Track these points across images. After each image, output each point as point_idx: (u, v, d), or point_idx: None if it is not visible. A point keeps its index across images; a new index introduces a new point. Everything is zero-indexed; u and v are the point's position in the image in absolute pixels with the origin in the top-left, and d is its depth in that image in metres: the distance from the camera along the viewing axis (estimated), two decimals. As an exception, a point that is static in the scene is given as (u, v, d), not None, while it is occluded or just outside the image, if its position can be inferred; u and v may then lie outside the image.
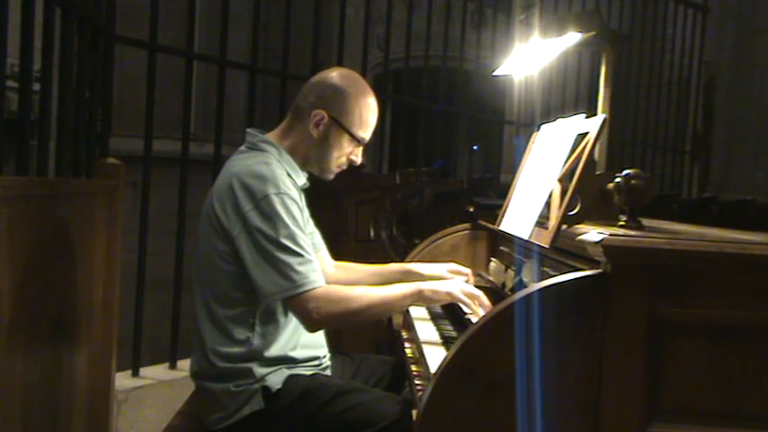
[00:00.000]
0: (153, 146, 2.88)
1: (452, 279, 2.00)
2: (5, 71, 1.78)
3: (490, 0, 4.84)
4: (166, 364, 3.02)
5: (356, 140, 1.82)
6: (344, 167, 1.87)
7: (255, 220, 1.64)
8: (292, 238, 1.64)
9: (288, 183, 1.72)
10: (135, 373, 2.88)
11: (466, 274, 2.07)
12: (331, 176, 1.87)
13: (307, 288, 1.63)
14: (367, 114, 1.82)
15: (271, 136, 1.83)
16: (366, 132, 1.84)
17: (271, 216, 1.64)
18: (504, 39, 4.63)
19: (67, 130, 2.15)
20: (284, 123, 1.85)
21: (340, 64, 3.65)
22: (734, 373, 1.33)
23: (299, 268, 1.63)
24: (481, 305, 1.77)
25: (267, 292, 1.64)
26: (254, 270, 1.65)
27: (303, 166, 1.85)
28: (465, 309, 1.83)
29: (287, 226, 1.64)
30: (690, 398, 1.33)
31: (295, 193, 1.72)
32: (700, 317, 1.32)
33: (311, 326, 1.68)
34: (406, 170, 3.34)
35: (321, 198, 3.29)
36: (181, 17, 3.21)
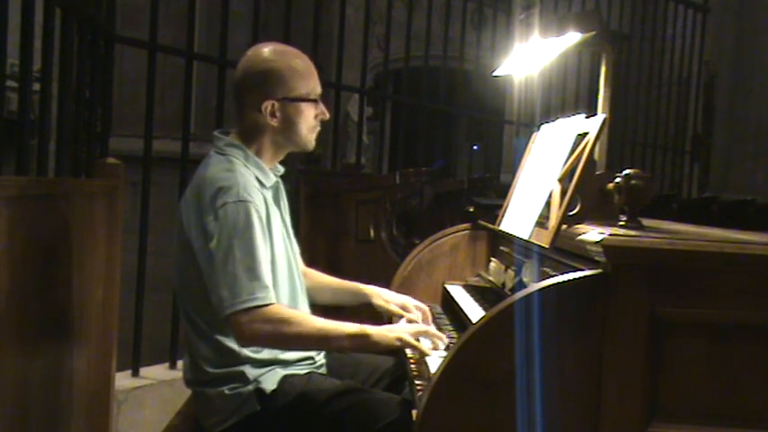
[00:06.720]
0: (153, 146, 2.87)
1: (400, 322, 1.86)
2: (5, 71, 1.79)
3: (490, 0, 4.84)
4: (166, 364, 3.02)
5: (313, 100, 1.80)
6: (319, 128, 1.84)
7: (212, 229, 1.63)
8: (245, 249, 1.61)
9: (251, 190, 1.68)
10: (135, 373, 2.88)
11: (421, 312, 1.94)
12: (312, 145, 1.84)
13: (249, 305, 1.58)
14: (304, 72, 1.78)
15: (235, 137, 1.80)
16: (315, 86, 1.81)
17: (226, 226, 1.62)
18: (504, 39, 4.63)
19: (67, 130, 2.15)
20: (241, 126, 1.81)
21: (340, 64, 3.66)
22: (734, 373, 1.32)
23: (246, 283, 1.59)
24: (434, 337, 1.71)
25: (215, 306, 1.61)
26: (206, 281, 1.64)
27: (276, 156, 1.83)
28: (411, 352, 1.75)
29: (241, 236, 1.61)
30: (690, 398, 1.33)
31: (259, 200, 1.69)
32: (700, 317, 1.32)
33: (241, 341, 1.64)
34: (406, 170, 3.33)
35: (321, 198, 3.31)
36: (181, 17, 3.21)
